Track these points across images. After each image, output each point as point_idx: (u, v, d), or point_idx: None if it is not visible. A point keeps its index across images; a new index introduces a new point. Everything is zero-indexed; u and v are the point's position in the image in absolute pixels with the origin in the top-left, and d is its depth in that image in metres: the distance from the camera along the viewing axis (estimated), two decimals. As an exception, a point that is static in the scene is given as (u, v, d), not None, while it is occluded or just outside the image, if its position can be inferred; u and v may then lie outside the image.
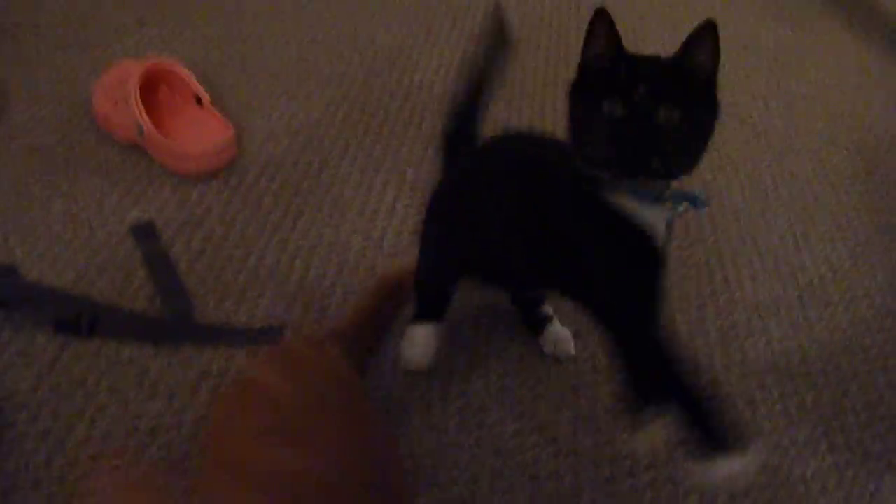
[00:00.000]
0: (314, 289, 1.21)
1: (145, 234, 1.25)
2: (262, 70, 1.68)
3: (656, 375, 0.76)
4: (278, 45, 1.78)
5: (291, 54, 1.75)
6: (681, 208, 0.77)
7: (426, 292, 1.09)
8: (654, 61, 0.74)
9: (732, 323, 1.25)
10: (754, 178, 1.58)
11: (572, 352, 1.15)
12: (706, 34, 0.72)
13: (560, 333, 1.15)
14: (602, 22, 0.73)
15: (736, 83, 1.89)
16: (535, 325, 1.16)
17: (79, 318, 1.09)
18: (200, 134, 1.40)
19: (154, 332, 1.11)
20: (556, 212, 0.82)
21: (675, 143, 0.72)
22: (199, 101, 1.44)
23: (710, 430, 0.72)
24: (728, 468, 0.70)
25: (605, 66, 0.74)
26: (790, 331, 1.26)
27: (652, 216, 0.76)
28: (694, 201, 0.77)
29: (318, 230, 1.31)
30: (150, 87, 1.45)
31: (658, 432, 0.75)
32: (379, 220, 1.34)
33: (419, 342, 1.08)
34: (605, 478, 1.02)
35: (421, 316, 1.09)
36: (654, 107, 0.70)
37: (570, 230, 0.81)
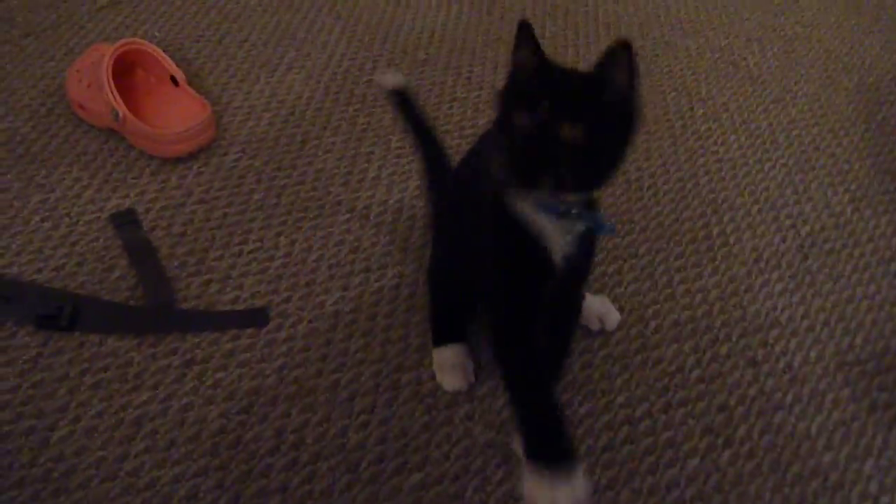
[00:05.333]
0: (299, 265, 1.18)
1: (125, 221, 1.22)
2: (239, 44, 1.64)
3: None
4: (256, 16, 1.73)
5: (270, 25, 1.70)
6: (579, 227, 0.80)
7: (437, 304, 1.09)
8: (567, 75, 0.74)
9: (731, 278, 1.22)
10: (750, 126, 1.53)
11: (618, 318, 1.11)
12: (620, 53, 0.70)
13: (598, 305, 1.09)
14: (524, 34, 0.74)
15: (729, 25, 1.83)
16: None
17: (60, 312, 1.07)
18: (178, 115, 1.36)
19: (137, 323, 1.09)
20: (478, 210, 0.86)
21: (575, 160, 0.72)
22: (174, 80, 1.40)
23: (541, 444, 0.76)
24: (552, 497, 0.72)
25: (527, 77, 0.75)
26: (791, 283, 1.22)
27: (550, 227, 0.79)
28: (597, 228, 0.82)
29: (302, 205, 1.28)
30: (125, 70, 1.41)
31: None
32: (363, 192, 1.31)
33: (450, 364, 1.05)
34: (601, 446, 0.99)
35: (440, 339, 1.06)
36: (556, 123, 0.70)
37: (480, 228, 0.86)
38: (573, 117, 0.70)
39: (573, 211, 0.79)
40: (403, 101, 1.12)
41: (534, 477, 0.74)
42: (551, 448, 0.75)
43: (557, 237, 0.80)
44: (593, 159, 0.73)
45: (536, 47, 0.74)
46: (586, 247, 0.85)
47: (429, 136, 1.14)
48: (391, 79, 1.11)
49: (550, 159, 0.71)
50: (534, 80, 0.74)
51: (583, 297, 1.00)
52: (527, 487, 0.74)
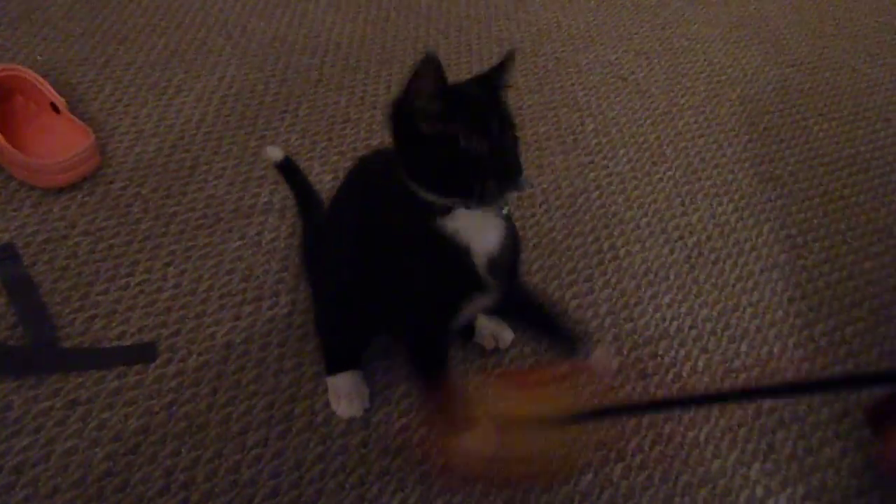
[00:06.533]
0: (189, 297, 1.15)
1: (4, 256, 1.17)
2: (126, 66, 1.59)
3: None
4: (143, 37, 1.69)
5: (158, 46, 1.67)
6: (505, 208, 0.85)
7: (330, 339, 1.08)
8: (477, 91, 0.82)
9: (622, 291, 1.25)
10: (639, 139, 1.57)
11: (511, 336, 1.14)
12: (511, 59, 0.82)
13: (493, 326, 1.12)
14: (431, 65, 0.75)
15: (618, 40, 1.88)
16: (466, 329, 1.11)
17: (-68, 356, 1.02)
18: (59, 143, 1.32)
19: (16, 364, 1.05)
20: (383, 231, 0.87)
21: (518, 155, 0.81)
22: (55, 107, 1.35)
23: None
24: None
25: (436, 103, 0.77)
26: (679, 294, 1.25)
27: (480, 231, 0.82)
28: (522, 187, 0.83)
29: (192, 233, 1.25)
30: (3, 97, 1.36)
31: None
32: (255, 217, 1.29)
33: (346, 391, 1.04)
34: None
35: (334, 367, 1.06)
36: (507, 135, 0.79)
37: (394, 251, 0.86)
38: (510, 123, 0.80)
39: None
40: (290, 168, 1.24)
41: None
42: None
43: (488, 238, 0.83)
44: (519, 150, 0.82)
45: (442, 77, 0.76)
46: (514, 233, 0.89)
47: (311, 198, 1.25)
48: (276, 153, 1.22)
49: (514, 171, 0.78)
50: (456, 101, 0.78)
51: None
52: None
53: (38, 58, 1.58)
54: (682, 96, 1.71)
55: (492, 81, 0.82)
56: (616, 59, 1.80)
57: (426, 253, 0.83)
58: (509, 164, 0.78)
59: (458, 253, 0.82)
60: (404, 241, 0.84)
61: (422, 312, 0.90)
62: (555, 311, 1.01)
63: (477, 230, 0.82)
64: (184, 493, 0.93)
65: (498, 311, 1.02)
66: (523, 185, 0.83)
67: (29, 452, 0.95)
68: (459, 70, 1.68)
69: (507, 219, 0.86)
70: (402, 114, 0.79)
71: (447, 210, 0.80)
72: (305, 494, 0.95)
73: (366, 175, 0.95)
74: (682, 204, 1.43)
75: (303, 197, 1.26)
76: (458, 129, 0.76)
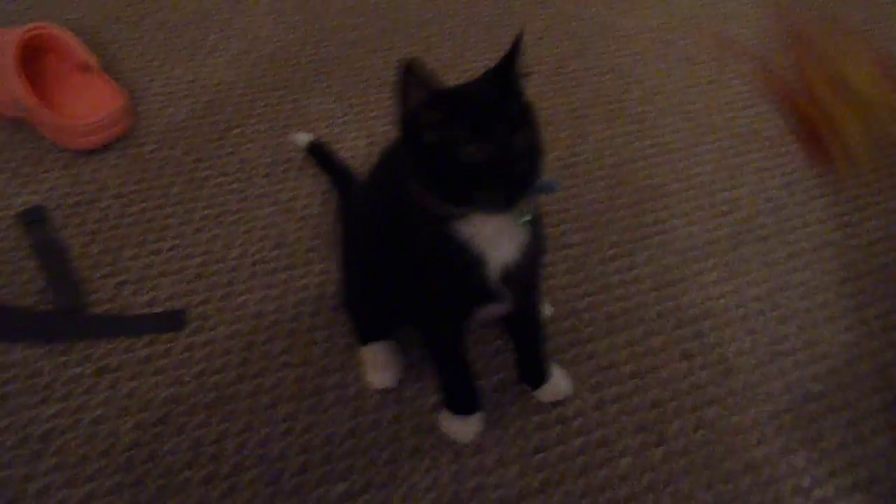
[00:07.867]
0: (220, 263, 1.13)
1: (34, 219, 1.16)
2: (159, 25, 1.56)
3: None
4: (177, -4, 1.65)
5: (192, 5, 1.63)
6: (524, 217, 0.78)
7: (356, 311, 1.05)
8: (482, 90, 0.75)
9: (665, 267, 1.20)
10: (686, 108, 1.51)
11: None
12: (517, 48, 0.74)
13: (559, 382, 1.04)
14: (416, 74, 0.70)
15: (664, 5, 1.80)
16: (536, 378, 1.03)
17: (-39, 320, 1.01)
18: (90, 104, 1.29)
19: (46, 330, 1.03)
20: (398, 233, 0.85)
21: (534, 159, 0.74)
22: (87, 67, 1.33)
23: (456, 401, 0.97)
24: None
25: (434, 113, 0.72)
26: (725, 272, 1.21)
27: (502, 239, 0.79)
28: (548, 189, 0.78)
29: (224, 198, 1.23)
30: (33, 55, 1.33)
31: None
32: (289, 182, 1.26)
33: (379, 361, 1.02)
34: (532, 448, 0.97)
35: (367, 338, 1.04)
36: (512, 140, 0.72)
37: (411, 246, 0.83)
38: (518, 126, 0.72)
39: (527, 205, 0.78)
40: (319, 150, 1.26)
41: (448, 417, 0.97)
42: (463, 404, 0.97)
43: (505, 247, 0.79)
44: (538, 149, 0.75)
45: (429, 82, 0.71)
46: (538, 240, 0.84)
47: (343, 174, 1.23)
48: (303, 138, 1.26)
49: (523, 177, 0.73)
50: (452, 111, 0.72)
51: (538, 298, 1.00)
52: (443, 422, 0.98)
53: (71, 16, 1.55)
54: (732, 63, 1.64)
55: (503, 74, 0.75)
56: (662, 24, 1.73)
57: (439, 256, 0.80)
58: (518, 170, 0.73)
59: (471, 261, 0.78)
60: (420, 239, 0.81)
61: (431, 310, 0.89)
62: (540, 342, 1.01)
63: (493, 238, 0.78)
64: (212, 465, 0.91)
65: (506, 319, 0.98)
66: (548, 188, 0.78)
67: (57, 420, 0.94)
68: (501, 34, 1.63)
69: (533, 225, 0.81)
70: (409, 124, 0.74)
71: (463, 215, 0.76)
72: (336, 471, 0.92)
73: (397, 157, 0.91)
74: (730, 177, 1.37)
75: (335, 174, 1.24)
76: (456, 138, 0.71)
